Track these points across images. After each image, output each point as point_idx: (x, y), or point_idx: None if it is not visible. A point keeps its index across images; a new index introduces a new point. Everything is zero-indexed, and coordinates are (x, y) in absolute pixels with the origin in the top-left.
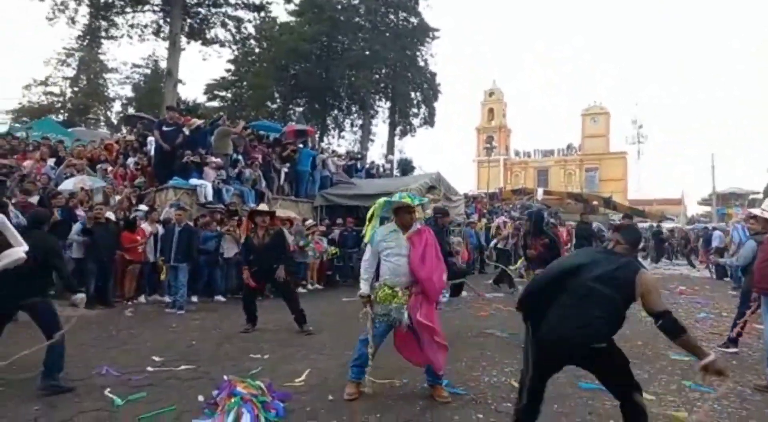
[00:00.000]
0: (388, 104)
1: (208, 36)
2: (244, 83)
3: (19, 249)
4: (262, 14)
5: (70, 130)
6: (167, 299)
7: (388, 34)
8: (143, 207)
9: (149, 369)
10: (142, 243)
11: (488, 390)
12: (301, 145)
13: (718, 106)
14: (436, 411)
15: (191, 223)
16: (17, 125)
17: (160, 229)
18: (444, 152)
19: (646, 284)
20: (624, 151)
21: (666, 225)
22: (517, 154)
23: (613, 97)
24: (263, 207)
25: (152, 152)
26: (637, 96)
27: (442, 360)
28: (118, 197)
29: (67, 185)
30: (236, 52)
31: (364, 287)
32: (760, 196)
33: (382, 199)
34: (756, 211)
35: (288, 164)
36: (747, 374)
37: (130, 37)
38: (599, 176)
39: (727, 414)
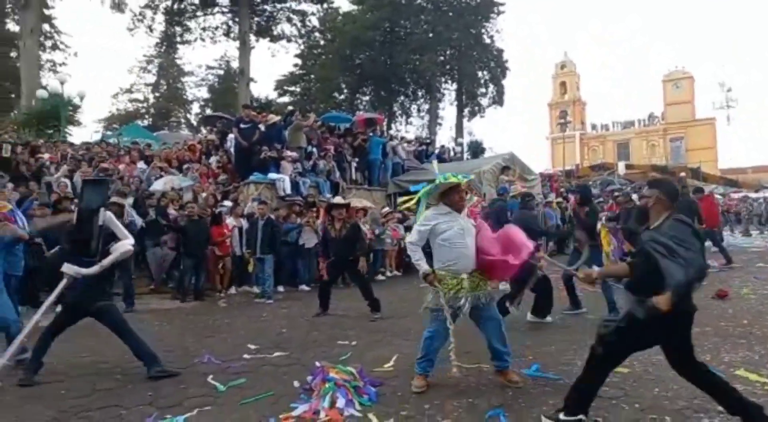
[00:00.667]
0: (455, 86)
1: (275, 32)
2: (312, 76)
3: (126, 242)
4: (325, 5)
5: (155, 134)
6: (255, 290)
7: (451, 14)
8: (227, 202)
9: (246, 356)
10: (228, 236)
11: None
12: (371, 134)
13: None
14: (529, 397)
15: (273, 216)
16: (108, 132)
17: (245, 223)
18: (515, 131)
19: None
20: (712, 117)
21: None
22: (593, 127)
23: (697, 61)
24: (339, 200)
25: (232, 150)
26: (724, 57)
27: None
28: (204, 195)
29: (157, 186)
30: (302, 46)
31: (424, 266)
32: None
33: (427, 186)
34: None
35: (359, 154)
36: None
37: (203, 40)
38: (685, 146)
39: None
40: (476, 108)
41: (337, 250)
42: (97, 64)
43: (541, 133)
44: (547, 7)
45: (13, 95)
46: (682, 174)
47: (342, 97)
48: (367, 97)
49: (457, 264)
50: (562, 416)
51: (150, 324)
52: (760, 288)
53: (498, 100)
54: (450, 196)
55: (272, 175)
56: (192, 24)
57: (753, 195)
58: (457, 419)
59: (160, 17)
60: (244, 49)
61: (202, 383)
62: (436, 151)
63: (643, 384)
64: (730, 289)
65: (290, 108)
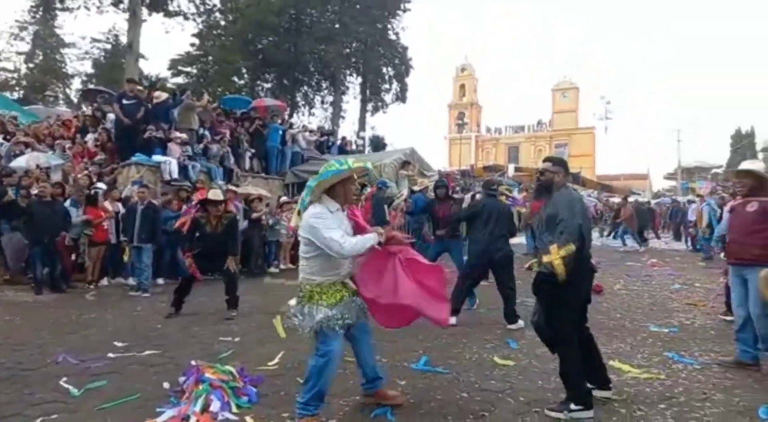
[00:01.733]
0: (359, 80)
1: (170, 7)
2: (210, 58)
3: None
4: None
5: (26, 108)
6: (131, 281)
7: (358, 6)
8: (101, 184)
9: (110, 355)
10: (104, 219)
11: (471, 368)
12: (269, 121)
13: (683, 82)
14: (418, 391)
15: (155, 202)
16: None
17: (121, 208)
18: (416, 129)
19: None
20: (592, 126)
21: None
22: (488, 130)
23: (583, 73)
24: (216, 195)
25: (112, 127)
26: (606, 72)
27: (444, 309)
28: (72, 175)
29: (19, 162)
30: (201, 26)
31: (375, 238)
32: (722, 169)
33: (327, 173)
34: (747, 165)
35: (256, 140)
36: (728, 345)
37: (87, 8)
38: (569, 152)
39: (713, 385)
40: (380, 103)
41: (211, 247)
42: None
43: (440, 133)
44: (452, 10)
45: None
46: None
47: (242, 82)
48: (268, 84)
49: (338, 272)
50: (573, 406)
51: None
52: (630, 284)
53: (401, 96)
54: (347, 187)
55: (157, 157)
56: None
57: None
58: (343, 419)
59: None
60: (134, 22)
61: (53, 386)
62: (338, 143)
63: (528, 377)
64: (604, 285)
65: (184, 88)
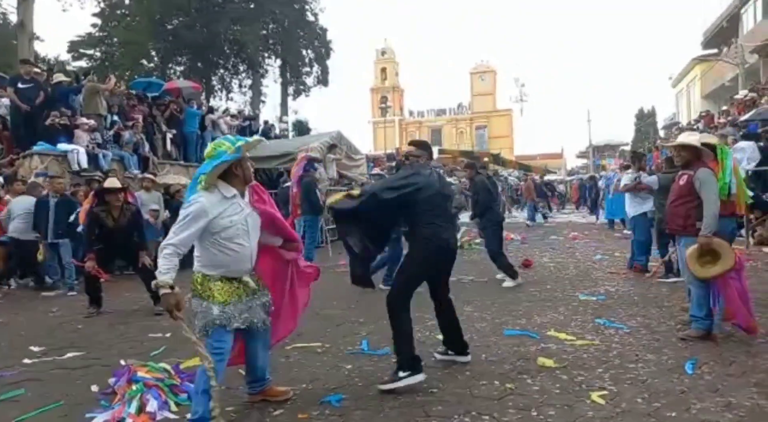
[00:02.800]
0: (279, 62)
1: None
2: (115, 40)
3: None
4: None
5: None
6: (48, 280)
7: None
8: None
9: (26, 361)
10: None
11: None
12: (186, 105)
13: (592, 65)
14: (366, 373)
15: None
16: None
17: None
18: (340, 113)
19: None
20: (509, 108)
21: (551, 178)
22: (411, 114)
23: (499, 57)
24: (113, 182)
25: (6, 114)
26: (520, 55)
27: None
28: None
29: None
30: (102, 4)
31: (166, 277)
32: (629, 146)
33: (217, 157)
34: (685, 138)
35: (173, 126)
36: (651, 308)
37: None
38: (488, 134)
39: (642, 346)
40: (301, 87)
41: (114, 242)
42: None
43: (364, 116)
44: None
45: None
46: (486, 158)
47: (152, 65)
48: (181, 67)
49: (235, 267)
50: (401, 374)
51: None
52: (556, 257)
53: (322, 80)
54: (241, 170)
55: (63, 146)
56: None
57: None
58: (291, 408)
59: None
60: None
61: None
62: (260, 128)
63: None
64: (533, 259)
65: (87, 69)
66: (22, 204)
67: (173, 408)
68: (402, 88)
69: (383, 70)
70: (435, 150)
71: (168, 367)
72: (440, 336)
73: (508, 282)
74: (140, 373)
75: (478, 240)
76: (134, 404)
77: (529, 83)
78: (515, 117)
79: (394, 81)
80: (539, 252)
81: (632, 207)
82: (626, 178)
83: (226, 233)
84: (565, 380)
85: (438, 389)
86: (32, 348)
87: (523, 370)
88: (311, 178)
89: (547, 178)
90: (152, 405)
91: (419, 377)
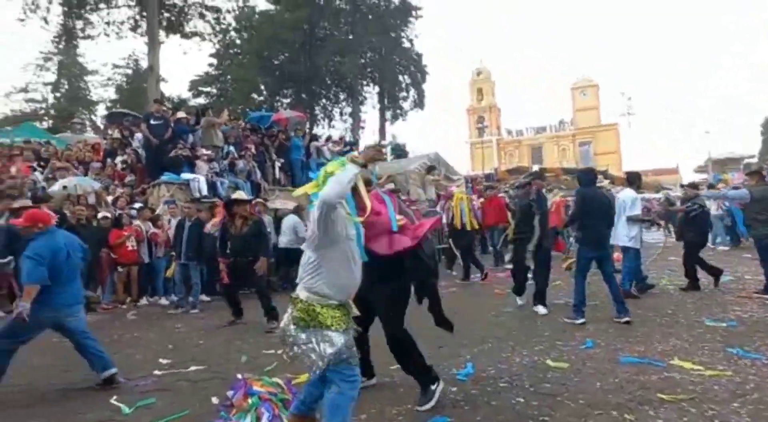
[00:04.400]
0: (377, 89)
1: (186, 29)
2: (228, 77)
3: None
4: (240, 3)
5: (57, 136)
6: (164, 301)
7: (370, 17)
8: (137, 205)
9: (157, 372)
10: (127, 237)
11: (523, 372)
12: (292, 134)
13: (706, 72)
14: (472, 397)
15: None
16: None
17: (151, 228)
18: (437, 135)
19: None
20: (615, 122)
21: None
22: (509, 132)
23: (602, 70)
24: (240, 195)
25: (140, 148)
26: (626, 68)
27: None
28: (110, 198)
29: (56, 187)
30: (217, 45)
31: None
32: (755, 159)
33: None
34: None
35: (282, 154)
36: None
37: (107, 35)
38: (593, 150)
39: None
40: (398, 111)
41: (236, 249)
42: None
43: (461, 137)
44: (464, 13)
45: None
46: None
47: (261, 98)
48: (287, 100)
49: (346, 290)
50: (432, 387)
51: (45, 341)
52: (675, 279)
53: (419, 103)
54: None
55: (186, 175)
56: (94, 18)
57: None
58: None
59: (57, 8)
60: (153, 45)
61: (105, 405)
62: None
63: (583, 379)
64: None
65: (205, 105)
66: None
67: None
68: (499, 108)
69: (479, 90)
70: (536, 168)
71: (281, 383)
72: (549, 362)
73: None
74: (256, 387)
75: None
76: (249, 417)
77: (636, 96)
78: (622, 131)
79: (490, 100)
80: (656, 274)
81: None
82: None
83: (349, 246)
84: (693, 413)
85: (549, 417)
86: (161, 360)
87: (643, 401)
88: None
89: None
90: (266, 419)
91: (441, 385)
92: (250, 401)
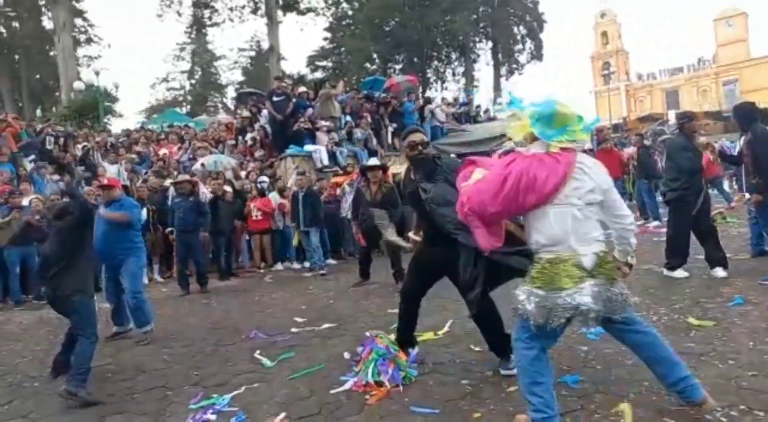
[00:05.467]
0: (490, 44)
1: (301, 6)
2: (342, 49)
3: None
4: None
5: (194, 119)
6: (296, 266)
7: None
8: (264, 178)
9: (293, 330)
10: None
11: (662, 330)
12: (405, 99)
13: None
14: (605, 356)
15: (314, 187)
16: (146, 121)
17: (279, 199)
18: (556, 87)
19: None
20: None
21: None
22: (639, 77)
23: None
24: (374, 161)
25: (267, 125)
26: None
27: None
28: (243, 172)
29: (197, 166)
30: (330, 18)
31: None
32: None
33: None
34: None
35: (395, 119)
36: None
37: (231, 20)
38: (740, 88)
39: None
40: (514, 65)
41: (368, 215)
42: (132, 55)
43: (583, 88)
44: None
45: (57, 93)
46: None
47: (374, 66)
48: (399, 65)
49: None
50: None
51: (197, 304)
52: None
53: (537, 55)
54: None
55: (308, 147)
56: (218, 5)
57: None
58: None
59: (187, 1)
60: (272, 25)
61: (249, 359)
62: (474, 111)
63: (733, 338)
64: None
65: (322, 78)
66: None
67: (402, 380)
68: (627, 51)
69: (604, 33)
70: (672, 114)
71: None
72: (691, 320)
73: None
74: (379, 344)
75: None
76: (370, 371)
77: None
78: None
79: (617, 44)
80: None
81: None
82: None
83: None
84: None
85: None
86: (296, 319)
87: None
88: None
89: None
90: (386, 372)
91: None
92: (371, 357)
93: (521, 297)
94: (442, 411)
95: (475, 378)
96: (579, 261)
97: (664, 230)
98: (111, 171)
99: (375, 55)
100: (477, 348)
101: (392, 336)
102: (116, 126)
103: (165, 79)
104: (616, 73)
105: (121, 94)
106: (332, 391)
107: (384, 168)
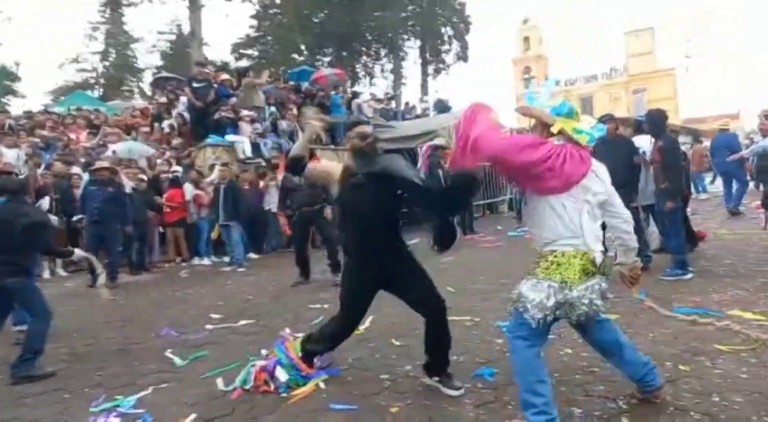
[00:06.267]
0: (418, 43)
1: None
2: (269, 38)
3: None
4: None
5: (108, 103)
6: (206, 262)
7: None
8: (178, 167)
9: (208, 327)
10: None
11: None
12: (333, 93)
13: None
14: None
15: (234, 180)
16: (50, 103)
17: (194, 190)
18: (481, 88)
19: None
20: (672, 67)
21: None
22: (557, 83)
23: (658, 13)
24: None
25: (185, 112)
26: (682, 8)
27: None
28: (158, 161)
29: (108, 153)
30: (257, 6)
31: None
32: None
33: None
34: None
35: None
36: None
37: (150, 1)
38: (648, 97)
39: None
40: (440, 65)
41: (299, 201)
42: (38, 31)
43: (506, 90)
44: None
45: None
46: (645, 125)
47: (302, 58)
48: (327, 59)
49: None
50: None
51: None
52: (737, 229)
53: (462, 56)
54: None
55: (230, 137)
56: None
57: None
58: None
59: None
60: (194, 8)
61: (159, 358)
62: (402, 109)
63: (636, 331)
64: (708, 231)
65: (245, 67)
66: None
67: (281, 378)
68: (546, 57)
69: (526, 38)
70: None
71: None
72: None
73: None
74: (287, 347)
75: None
76: (240, 377)
77: (697, 38)
78: (679, 77)
79: (538, 49)
80: (715, 224)
81: None
82: None
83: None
84: (754, 363)
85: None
86: (212, 315)
87: (699, 351)
88: (436, 158)
89: None
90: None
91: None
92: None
93: (534, 290)
94: (360, 407)
95: (394, 372)
96: (593, 257)
97: None
98: (9, 156)
99: (303, 47)
100: (397, 343)
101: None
102: (17, 107)
103: (75, 60)
104: (536, 77)
105: (24, 73)
106: (211, 389)
107: (312, 154)
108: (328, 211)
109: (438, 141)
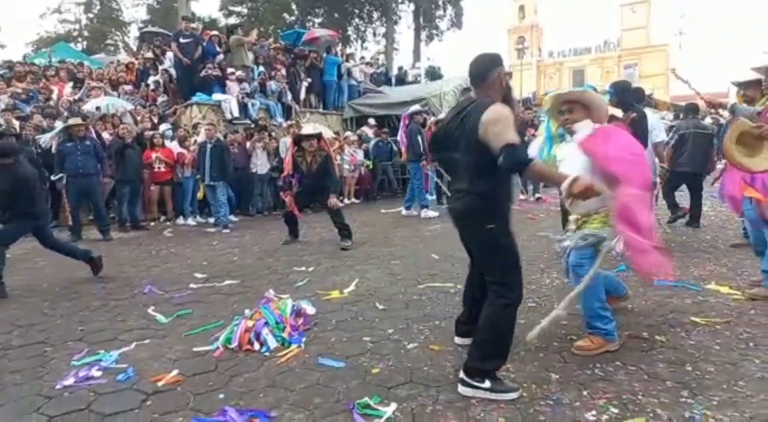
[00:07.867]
0: (412, 6)
1: None
2: None
3: None
4: None
5: (92, 57)
6: (190, 222)
7: None
8: (164, 126)
9: (192, 286)
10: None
11: (552, 293)
12: (325, 54)
13: None
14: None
15: (222, 139)
16: (31, 54)
17: (178, 148)
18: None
19: (486, 119)
20: (665, 43)
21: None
22: (551, 54)
23: None
24: (309, 129)
25: (171, 68)
26: None
27: None
28: (139, 117)
29: (90, 107)
30: None
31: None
32: None
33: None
34: None
35: (312, 75)
36: None
37: None
38: (639, 73)
39: None
40: (434, 31)
41: (307, 185)
42: None
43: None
44: None
45: None
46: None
47: (292, 17)
48: (319, 20)
49: None
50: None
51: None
52: (719, 207)
53: (456, 22)
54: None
55: (217, 96)
56: None
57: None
58: (424, 343)
59: None
60: None
61: (142, 315)
62: (396, 74)
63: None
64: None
65: (234, 24)
66: None
67: (272, 344)
68: (541, 27)
69: (521, 7)
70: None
71: (288, 316)
72: None
73: None
74: (271, 306)
75: None
76: (223, 336)
77: (693, 13)
78: (672, 53)
79: (533, 19)
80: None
81: None
82: None
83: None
84: (727, 336)
85: (577, 336)
86: (196, 275)
87: (676, 323)
88: (416, 125)
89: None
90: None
91: None
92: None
93: (605, 234)
94: (343, 366)
95: (376, 335)
96: None
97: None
98: None
99: (294, 6)
100: (381, 306)
101: (289, 302)
102: None
103: (57, 11)
104: (529, 48)
105: (2, 23)
106: (194, 349)
107: (319, 136)
108: (334, 200)
109: (414, 108)
